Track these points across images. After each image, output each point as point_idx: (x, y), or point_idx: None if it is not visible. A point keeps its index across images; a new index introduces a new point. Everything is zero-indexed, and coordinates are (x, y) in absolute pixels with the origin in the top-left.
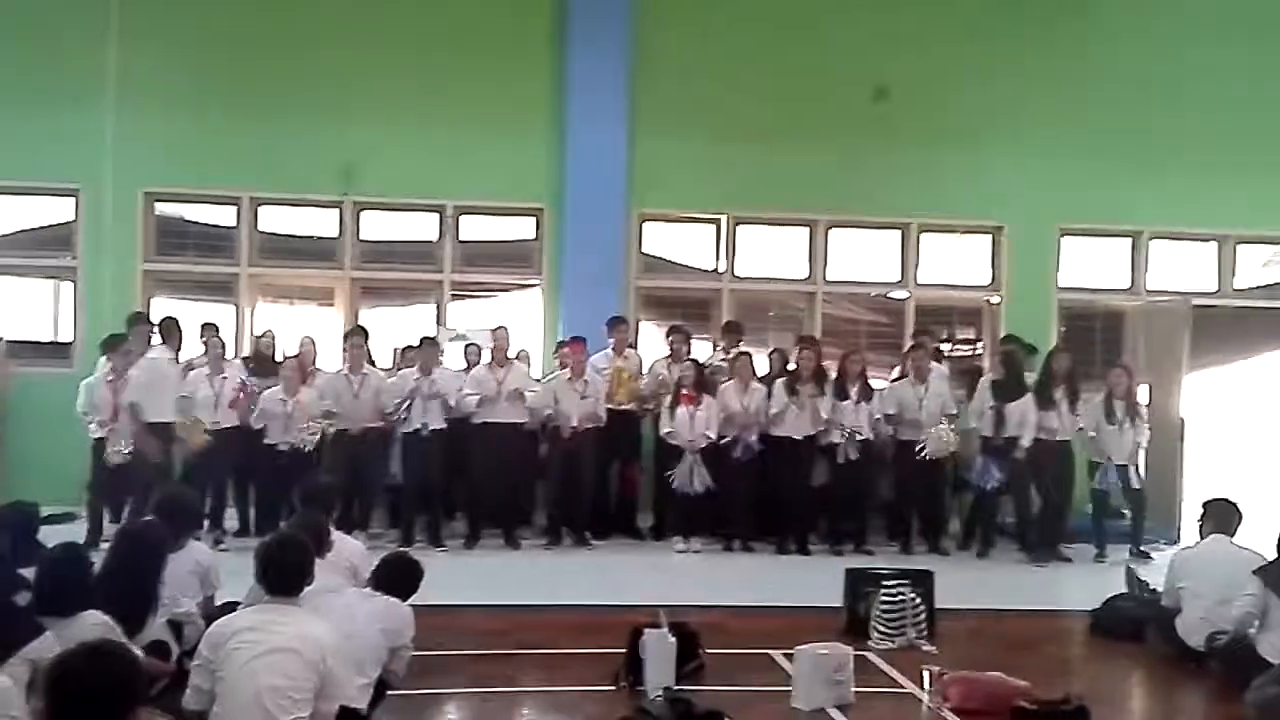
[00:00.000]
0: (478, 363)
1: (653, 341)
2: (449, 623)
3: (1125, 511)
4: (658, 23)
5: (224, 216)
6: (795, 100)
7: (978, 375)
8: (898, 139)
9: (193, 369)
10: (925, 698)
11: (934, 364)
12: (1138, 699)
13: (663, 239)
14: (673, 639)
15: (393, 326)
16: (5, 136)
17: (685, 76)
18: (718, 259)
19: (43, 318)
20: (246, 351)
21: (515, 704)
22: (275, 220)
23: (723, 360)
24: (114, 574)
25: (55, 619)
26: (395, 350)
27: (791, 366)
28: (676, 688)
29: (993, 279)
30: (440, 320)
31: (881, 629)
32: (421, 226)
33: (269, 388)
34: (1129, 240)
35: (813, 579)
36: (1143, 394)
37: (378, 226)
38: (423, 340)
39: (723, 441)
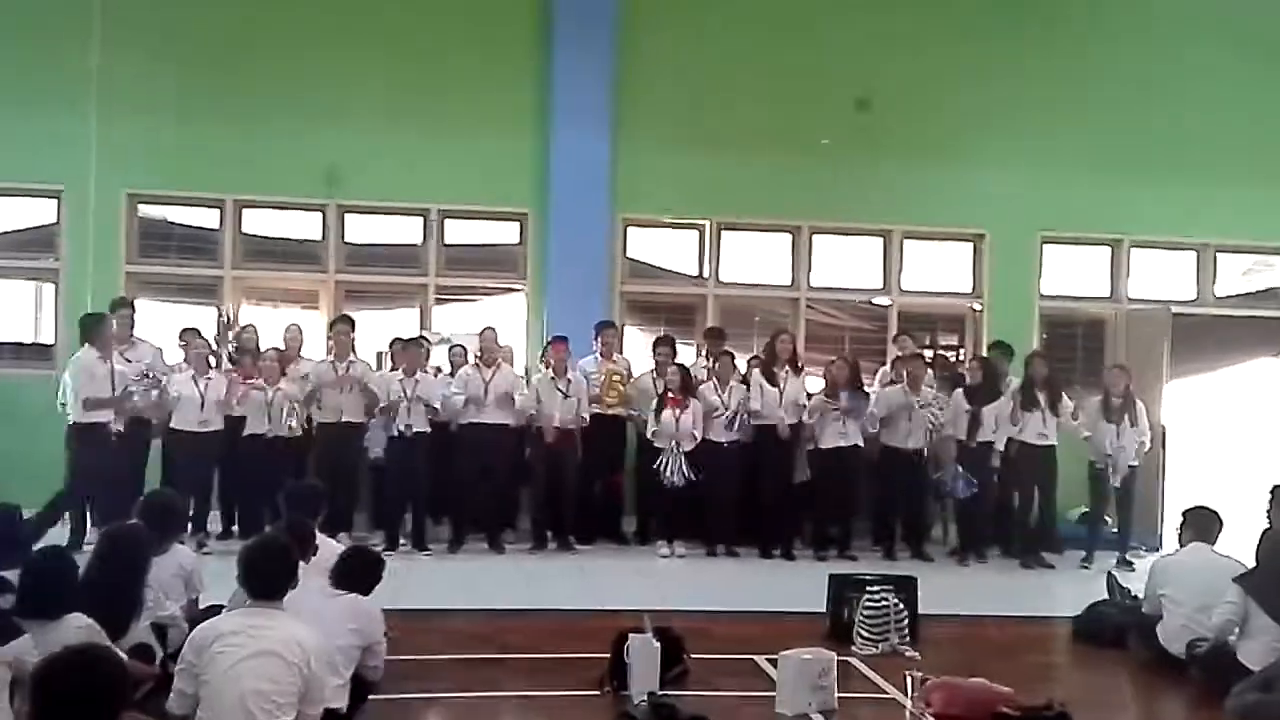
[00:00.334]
0: (464, 364)
1: (638, 347)
2: (433, 627)
3: (1108, 518)
4: (642, 28)
5: (207, 219)
6: (779, 107)
7: (960, 382)
8: (880, 147)
9: (179, 372)
10: (908, 704)
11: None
12: (1119, 705)
13: (647, 244)
14: (657, 644)
15: (377, 329)
16: None
17: (669, 82)
18: (702, 265)
19: (24, 320)
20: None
21: (499, 709)
22: (259, 223)
23: (705, 366)
24: (98, 577)
25: (39, 622)
26: (378, 354)
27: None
28: (661, 693)
29: (974, 286)
30: (425, 324)
31: (865, 634)
32: (406, 230)
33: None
34: (1109, 248)
35: (796, 584)
36: None
37: (362, 229)
38: (407, 341)
39: (716, 417)
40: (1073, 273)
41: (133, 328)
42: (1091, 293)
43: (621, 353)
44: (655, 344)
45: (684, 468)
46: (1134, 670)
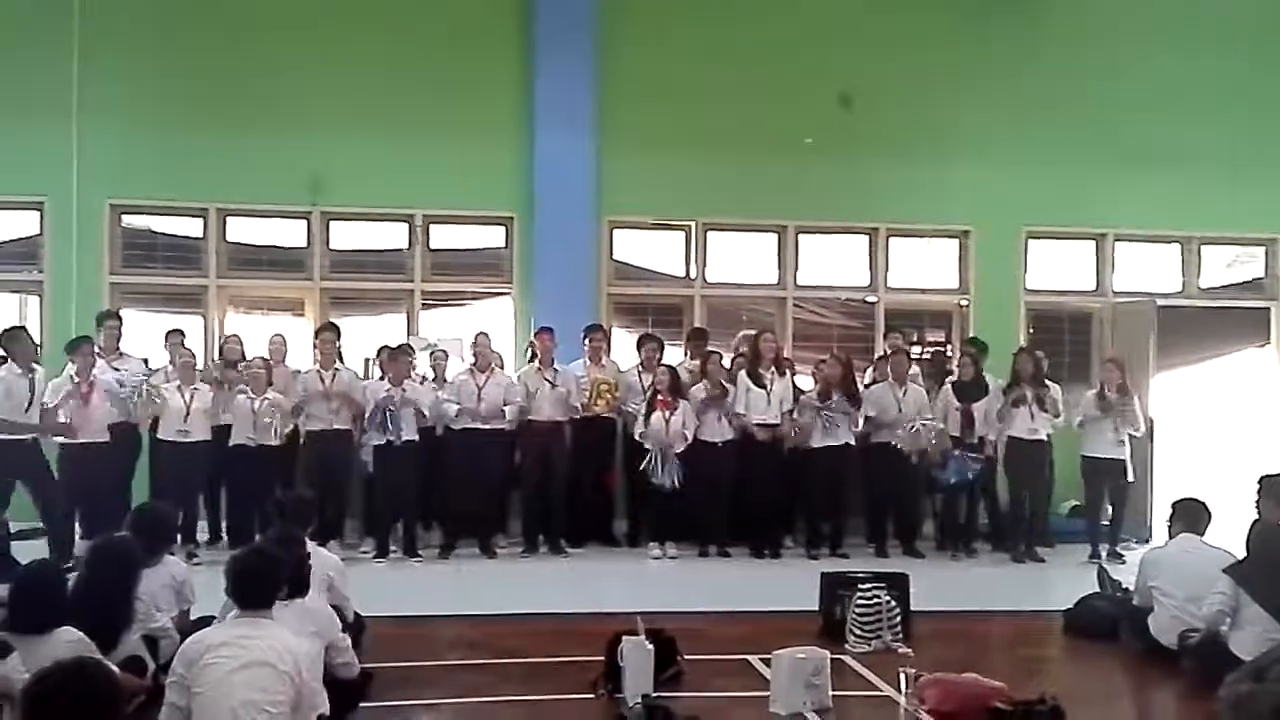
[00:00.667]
0: (444, 369)
1: (625, 348)
2: (425, 633)
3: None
4: (625, 30)
5: (191, 228)
6: (761, 107)
7: (946, 376)
8: (864, 145)
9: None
10: (902, 700)
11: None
12: (1112, 698)
13: (633, 246)
14: (650, 646)
15: (364, 336)
16: None
17: (652, 84)
18: (688, 265)
19: None
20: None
21: (493, 714)
22: (243, 231)
23: (689, 368)
24: (87, 590)
25: (29, 636)
26: (366, 360)
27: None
28: (655, 695)
29: (960, 282)
30: (411, 329)
31: (858, 632)
32: (391, 236)
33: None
34: (1094, 242)
35: (788, 583)
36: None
37: (347, 236)
38: (394, 350)
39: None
40: (1058, 267)
41: (120, 340)
42: (1077, 287)
43: (609, 355)
44: (640, 341)
45: (675, 470)
46: (1126, 662)
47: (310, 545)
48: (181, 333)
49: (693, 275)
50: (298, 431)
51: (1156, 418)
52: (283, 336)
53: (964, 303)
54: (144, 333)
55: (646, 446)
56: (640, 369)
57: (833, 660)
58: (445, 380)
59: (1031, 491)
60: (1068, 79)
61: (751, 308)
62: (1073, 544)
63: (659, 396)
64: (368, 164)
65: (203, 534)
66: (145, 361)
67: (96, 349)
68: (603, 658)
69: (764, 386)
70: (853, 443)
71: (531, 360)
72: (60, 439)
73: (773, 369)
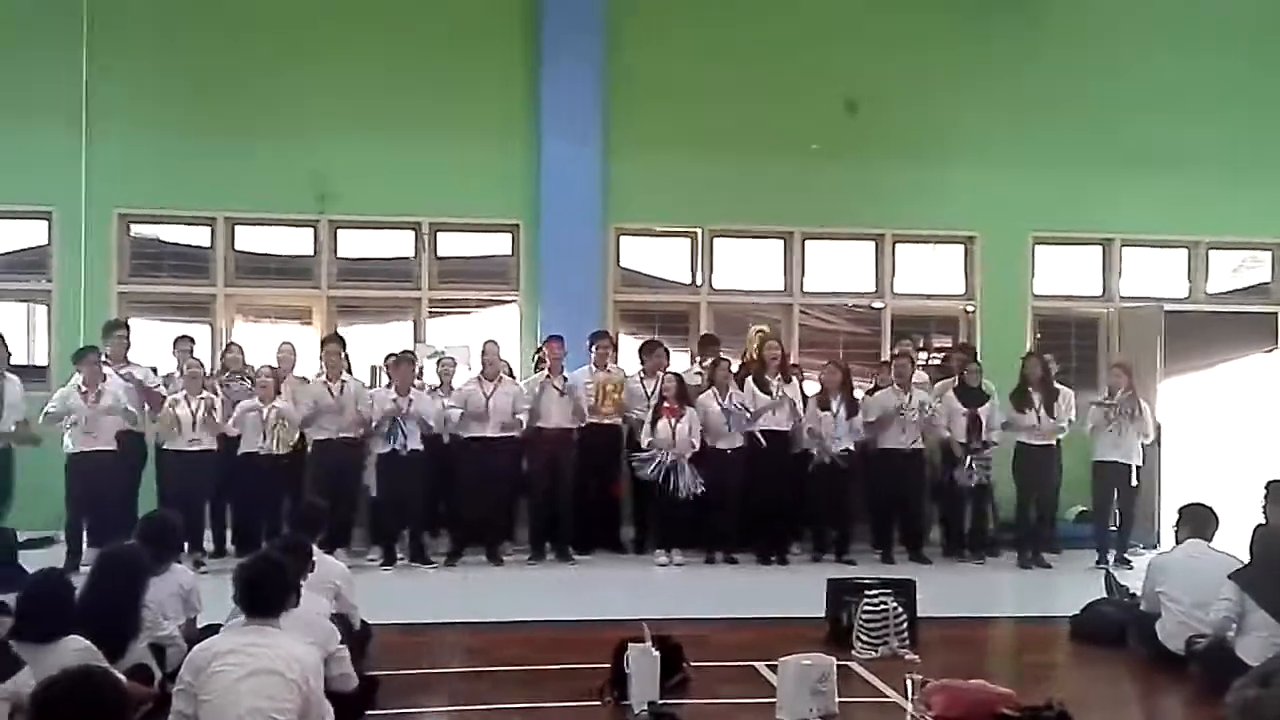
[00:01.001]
0: (451, 377)
1: (632, 355)
2: (432, 641)
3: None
4: (630, 38)
5: (199, 237)
6: (767, 112)
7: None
8: (870, 150)
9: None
10: (909, 707)
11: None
12: (1119, 704)
13: (639, 253)
14: (656, 653)
15: (371, 344)
16: None
17: (658, 90)
18: (694, 272)
19: (17, 342)
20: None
21: None
22: (251, 240)
23: (698, 373)
24: (94, 598)
25: (37, 645)
26: (373, 369)
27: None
28: (661, 702)
29: (967, 288)
30: (418, 337)
31: (864, 639)
32: (397, 244)
33: (241, 399)
34: (1101, 247)
35: (795, 589)
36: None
37: (354, 244)
38: (399, 357)
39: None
40: (1064, 272)
41: (128, 349)
42: (1084, 292)
43: (616, 362)
44: (643, 348)
45: (692, 477)
46: (1133, 668)
47: (317, 553)
48: (190, 339)
49: (699, 282)
50: (304, 439)
51: (1164, 423)
52: (291, 345)
53: (970, 308)
54: (152, 342)
55: (651, 456)
56: (643, 375)
57: (839, 667)
58: (452, 388)
59: (1040, 497)
60: (1070, 82)
61: (758, 314)
62: (1080, 549)
63: (665, 404)
64: (374, 172)
65: (209, 543)
66: (154, 371)
67: (104, 358)
68: (609, 665)
69: (770, 393)
70: (853, 448)
71: (539, 368)
72: (28, 447)
73: (779, 375)
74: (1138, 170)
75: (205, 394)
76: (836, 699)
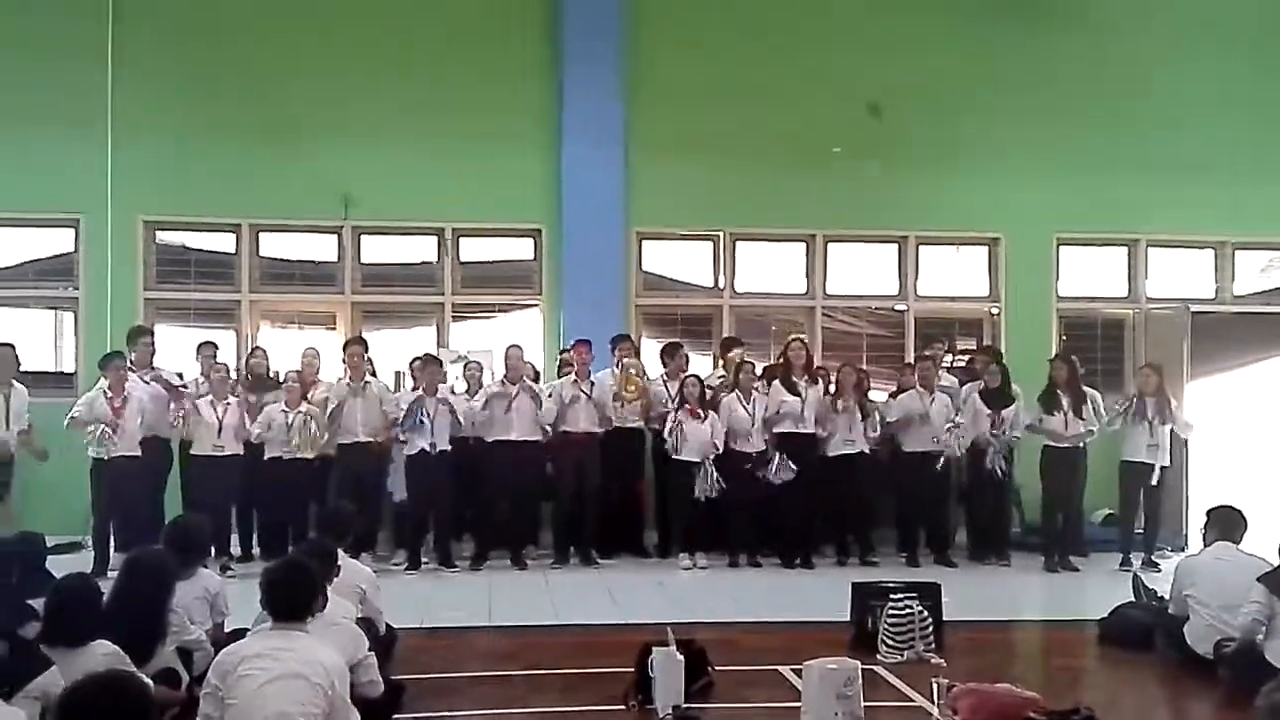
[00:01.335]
0: (478, 380)
1: (655, 359)
2: (456, 645)
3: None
4: (652, 41)
5: (224, 243)
6: (790, 115)
7: (975, 377)
8: (893, 153)
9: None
10: (935, 711)
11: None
12: (1147, 708)
13: (661, 257)
14: (681, 657)
15: (395, 349)
16: (4, 167)
17: (679, 94)
18: (717, 276)
19: (44, 348)
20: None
21: None
22: (275, 246)
23: (721, 377)
24: (122, 603)
25: (65, 649)
26: (397, 374)
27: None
28: (686, 706)
29: (991, 290)
30: (442, 342)
31: (889, 642)
32: (421, 249)
33: (266, 404)
34: (1126, 248)
35: (819, 593)
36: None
37: (377, 250)
38: (426, 359)
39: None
40: (1090, 274)
41: (153, 355)
42: (1109, 293)
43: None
44: (664, 350)
45: (715, 480)
46: (1161, 672)
47: (342, 557)
48: (215, 345)
49: (721, 285)
50: (330, 442)
51: (1191, 425)
52: (315, 350)
53: (995, 310)
54: (177, 347)
55: (676, 459)
56: (665, 378)
57: (864, 671)
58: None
59: (1066, 499)
60: (1095, 83)
61: (780, 317)
62: (1107, 553)
63: (687, 406)
64: (397, 178)
65: (235, 547)
66: (179, 376)
67: (129, 364)
68: (633, 669)
69: (798, 394)
70: (867, 450)
71: (564, 372)
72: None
73: (805, 377)
74: (1163, 171)
75: (231, 399)
76: (862, 703)
